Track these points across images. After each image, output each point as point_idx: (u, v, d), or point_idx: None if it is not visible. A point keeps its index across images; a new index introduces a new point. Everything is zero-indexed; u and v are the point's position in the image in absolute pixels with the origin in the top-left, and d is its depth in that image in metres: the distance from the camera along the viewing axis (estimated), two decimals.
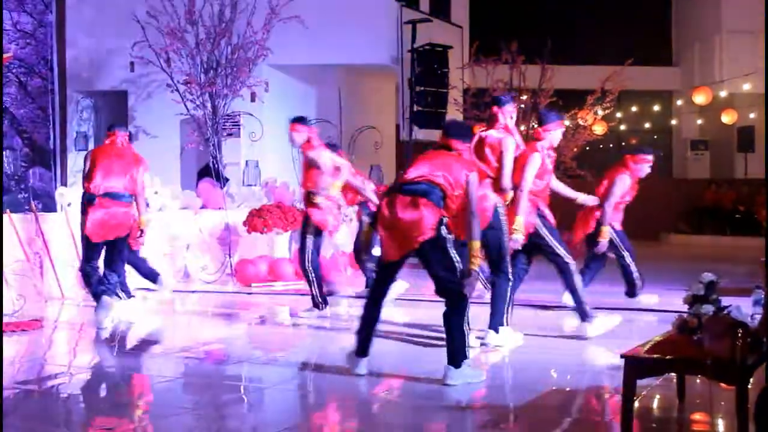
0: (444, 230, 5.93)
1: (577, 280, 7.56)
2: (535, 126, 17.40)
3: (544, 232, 7.65)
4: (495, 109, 7.46)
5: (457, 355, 5.86)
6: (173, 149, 14.90)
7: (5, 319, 7.66)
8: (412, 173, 6.03)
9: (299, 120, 9.29)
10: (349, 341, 7.66)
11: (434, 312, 8.26)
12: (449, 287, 5.96)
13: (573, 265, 7.58)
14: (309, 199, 8.85)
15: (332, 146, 9.84)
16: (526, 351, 7.08)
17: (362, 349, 6.12)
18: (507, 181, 7.21)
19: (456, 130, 6.50)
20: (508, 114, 7.44)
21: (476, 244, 5.98)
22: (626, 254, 9.28)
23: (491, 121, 7.48)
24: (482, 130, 7.48)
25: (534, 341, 7.57)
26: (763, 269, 9.32)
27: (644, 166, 9.22)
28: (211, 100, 13.74)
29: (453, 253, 5.93)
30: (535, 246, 7.69)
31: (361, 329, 6.18)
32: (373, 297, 6.32)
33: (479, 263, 6.09)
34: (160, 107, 14.52)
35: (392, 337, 7.90)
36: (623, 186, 9.17)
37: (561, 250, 7.62)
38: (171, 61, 13.71)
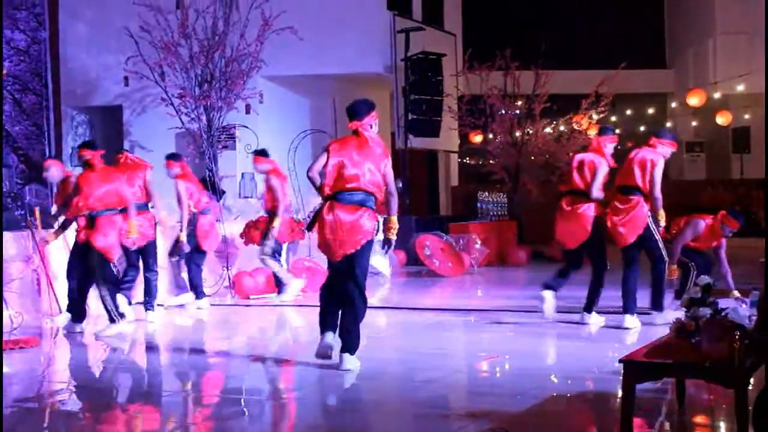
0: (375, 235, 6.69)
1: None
2: (530, 132, 17.52)
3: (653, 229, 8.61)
4: (596, 137, 9.30)
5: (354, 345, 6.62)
6: None
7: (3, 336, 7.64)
8: (346, 181, 6.78)
9: (172, 157, 10.84)
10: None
11: (433, 319, 8.27)
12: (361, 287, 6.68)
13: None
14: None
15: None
16: (525, 357, 7.08)
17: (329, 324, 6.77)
18: (597, 192, 8.78)
19: (355, 110, 7.37)
20: (605, 142, 8.98)
21: (394, 218, 6.75)
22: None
23: (589, 146, 9.26)
24: (580, 154, 9.20)
25: (533, 347, 7.57)
26: (762, 270, 9.32)
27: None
28: (206, 112, 13.76)
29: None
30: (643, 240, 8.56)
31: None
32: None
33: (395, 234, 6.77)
34: (155, 121, 14.54)
35: (391, 346, 7.90)
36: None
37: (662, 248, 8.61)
38: (165, 75, 13.73)
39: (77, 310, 9.01)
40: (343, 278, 6.68)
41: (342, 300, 6.70)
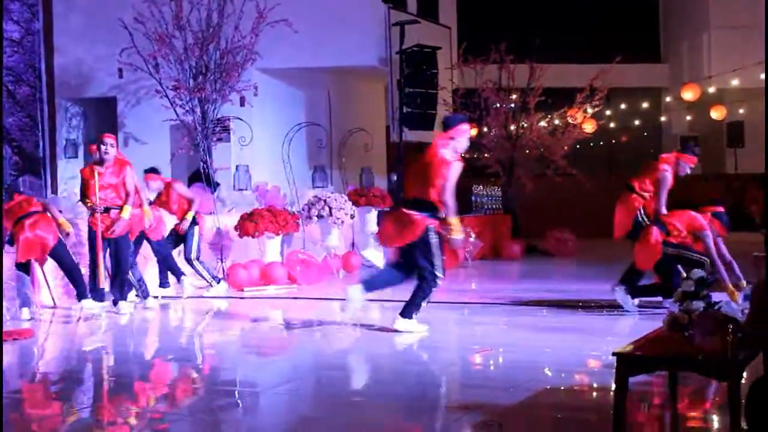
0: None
1: None
2: (524, 125, 17.51)
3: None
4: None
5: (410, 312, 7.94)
6: (163, 155, 14.88)
7: None
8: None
9: (152, 171, 11.10)
10: (339, 345, 7.65)
11: (426, 312, 8.27)
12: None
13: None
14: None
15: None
16: (519, 350, 7.09)
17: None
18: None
19: (445, 121, 8.18)
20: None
21: (451, 219, 7.72)
22: None
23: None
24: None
25: (527, 340, 7.59)
26: (755, 264, 9.34)
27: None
28: (201, 105, 13.74)
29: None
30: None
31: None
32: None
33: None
34: (150, 113, 14.52)
35: (383, 339, 7.90)
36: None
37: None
38: (159, 67, 13.71)
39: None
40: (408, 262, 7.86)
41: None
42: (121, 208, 9.39)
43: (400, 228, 7.84)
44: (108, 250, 9.53)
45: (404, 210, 7.84)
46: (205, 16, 13.76)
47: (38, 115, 13.94)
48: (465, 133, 8.06)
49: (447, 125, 8.03)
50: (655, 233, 8.64)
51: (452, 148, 7.90)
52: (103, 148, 9.36)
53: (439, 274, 7.75)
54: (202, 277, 11.17)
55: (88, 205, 9.42)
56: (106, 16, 14.27)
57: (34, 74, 13.82)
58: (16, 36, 14.78)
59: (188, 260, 11.09)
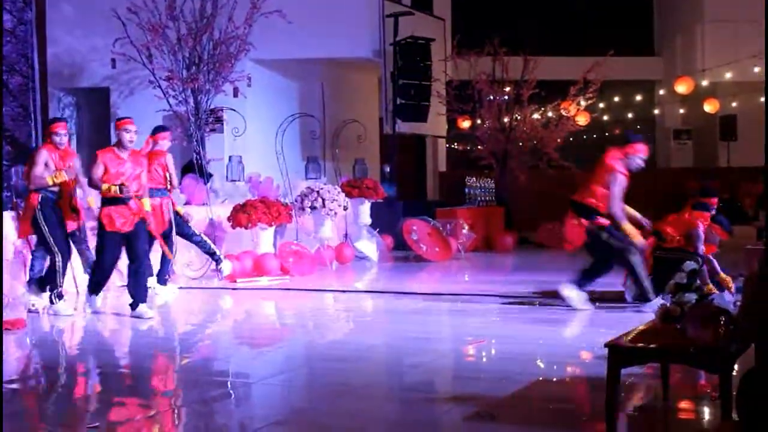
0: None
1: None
2: (518, 118, 17.51)
3: None
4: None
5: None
6: None
7: None
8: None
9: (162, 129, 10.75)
10: (332, 336, 7.66)
11: (419, 304, 8.29)
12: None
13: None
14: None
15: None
16: (511, 342, 7.11)
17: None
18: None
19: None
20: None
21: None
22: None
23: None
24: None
25: (519, 332, 7.60)
26: (747, 257, 9.36)
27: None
28: (194, 95, 13.72)
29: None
30: None
31: None
32: None
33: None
34: (143, 104, 14.48)
35: (376, 330, 7.91)
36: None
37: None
38: (153, 58, 13.68)
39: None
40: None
41: None
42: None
43: (572, 231, 8.76)
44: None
45: (571, 213, 8.73)
46: (199, 7, 13.73)
47: (31, 104, 13.87)
48: (640, 152, 8.49)
49: (625, 141, 8.53)
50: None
51: (624, 164, 8.44)
52: (127, 135, 8.71)
53: (635, 244, 8.32)
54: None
55: (119, 190, 8.48)
56: (100, 6, 14.22)
57: (26, 64, 13.74)
58: (8, 25, 14.69)
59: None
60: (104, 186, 8.53)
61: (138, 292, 8.70)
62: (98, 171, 8.59)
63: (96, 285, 8.94)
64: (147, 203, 8.85)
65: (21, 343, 7.47)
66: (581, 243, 8.73)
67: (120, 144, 8.75)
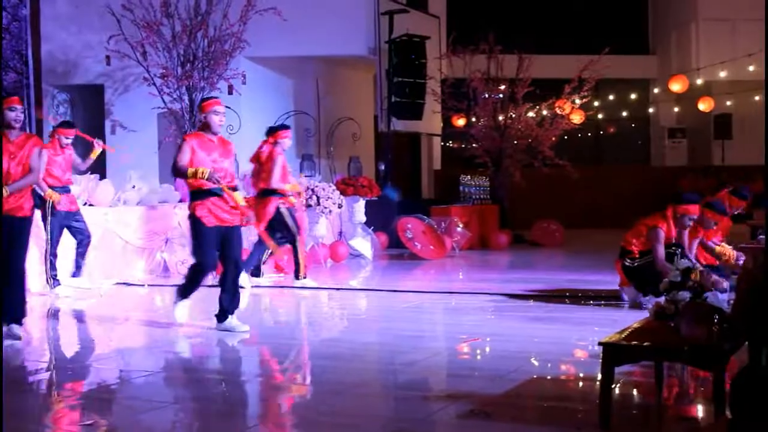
0: None
1: None
2: (512, 116, 17.53)
3: None
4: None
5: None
6: (151, 143, 14.86)
7: None
8: None
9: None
10: (326, 334, 7.64)
11: (413, 302, 8.28)
12: None
13: None
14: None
15: None
16: (506, 340, 7.11)
17: None
18: None
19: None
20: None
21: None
22: None
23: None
24: None
25: (514, 330, 7.61)
26: (742, 254, 9.36)
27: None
28: (188, 93, 13.71)
29: None
30: None
31: None
32: None
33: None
34: (137, 101, 14.48)
35: (371, 328, 7.90)
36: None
37: None
38: (147, 55, 13.67)
39: None
40: None
41: None
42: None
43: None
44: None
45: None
46: (194, 4, 13.72)
47: (25, 101, 13.85)
48: (691, 213, 8.39)
49: (677, 200, 8.40)
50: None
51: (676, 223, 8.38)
52: (217, 118, 7.58)
53: None
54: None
55: (207, 175, 7.33)
56: (94, 3, 14.21)
57: (21, 60, 13.73)
58: (3, 22, 14.69)
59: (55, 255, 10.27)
60: (191, 170, 7.34)
61: (233, 302, 7.66)
62: (185, 156, 7.42)
63: (187, 291, 7.91)
64: (239, 197, 7.64)
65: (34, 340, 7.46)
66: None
67: (208, 127, 7.58)
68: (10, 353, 6.72)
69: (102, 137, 15.40)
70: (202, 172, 7.27)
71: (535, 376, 5.85)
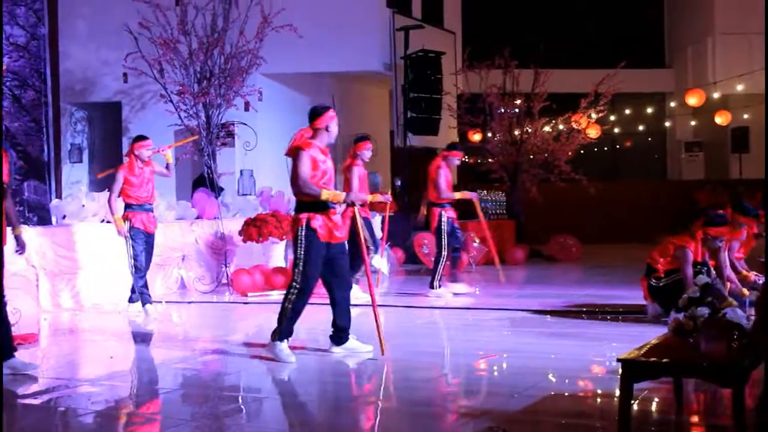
0: None
1: None
2: (528, 131, 17.50)
3: None
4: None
5: None
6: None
7: None
8: None
9: None
10: (339, 352, 7.62)
11: (430, 318, 8.25)
12: None
13: None
14: None
15: None
16: (523, 356, 7.08)
17: None
18: None
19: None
20: None
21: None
22: None
23: None
24: None
25: (531, 346, 7.58)
26: (761, 269, 9.31)
27: None
28: (205, 110, 13.76)
29: None
30: None
31: None
32: None
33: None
34: (154, 118, 14.56)
35: (388, 344, 7.89)
36: None
37: None
38: (164, 72, 13.73)
39: None
40: None
41: None
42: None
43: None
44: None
45: None
46: (210, 21, 13.78)
47: (43, 119, 13.93)
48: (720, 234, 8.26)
49: (710, 222, 8.21)
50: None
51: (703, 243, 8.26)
52: (335, 129, 7.31)
53: None
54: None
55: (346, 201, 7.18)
56: (112, 21, 14.31)
57: (39, 79, 13.80)
58: (21, 41, 14.78)
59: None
60: (326, 192, 6.95)
61: (349, 320, 7.36)
62: (306, 169, 6.97)
63: (290, 324, 7.28)
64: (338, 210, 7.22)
65: (33, 357, 7.48)
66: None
67: (325, 138, 7.21)
68: (24, 369, 6.74)
69: (119, 154, 15.50)
70: (329, 195, 6.92)
71: (553, 393, 5.82)
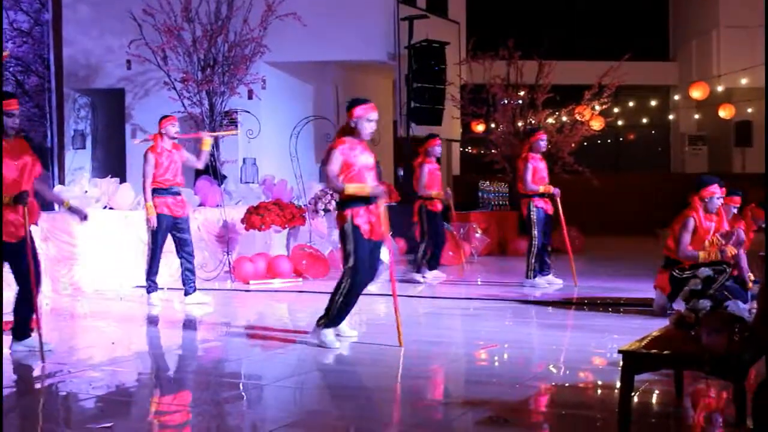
0: None
1: None
2: (532, 122, 17.47)
3: None
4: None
5: None
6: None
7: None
8: None
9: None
10: (344, 339, 7.63)
11: (432, 308, 8.24)
12: None
13: None
14: None
15: None
16: (524, 347, 7.09)
17: None
18: None
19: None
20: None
21: None
22: None
23: None
24: None
25: (532, 337, 7.58)
26: (762, 263, 9.30)
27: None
28: (208, 97, 13.76)
29: None
30: None
31: None
32: None
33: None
34: (157, 105, 14.52)
35: (389, 333, 7.89)
36: None
37: None
38: (168, 59, 13.73)
39: None
40: None
41: None
42: None
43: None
44: None
45: None
46: (214, 9, 13.77)
47: (46, 105, 13.94)
48: (715, 193, 8.23)
49: (699, 185, 8.22)
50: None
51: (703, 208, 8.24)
52: (369, 126, 7.06)
53: None
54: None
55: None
56: (116, 8, 14.29)
57: (42, 64, 13.82)
58: (25, 26, 14.79)
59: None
60: (350, 187, 6.87)
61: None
62: (335, 167, 6.89)
63: (341, 315, 7.26)
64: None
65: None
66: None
67: (357, 133, 7.00)
68: (29, 355, 6.76)
69: (122, 141, 15.50)
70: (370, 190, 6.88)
71: (553, 384, 5.83)
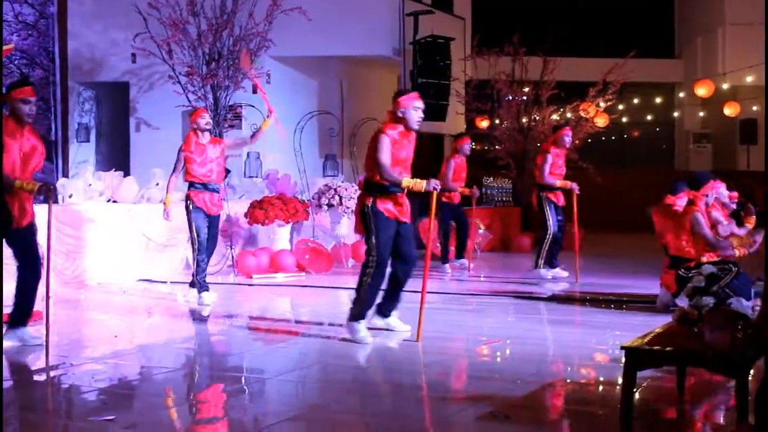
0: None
1: None
2: (536, 118, 17.43)
3: None
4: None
5: None
6: (174, 141, 14.82)
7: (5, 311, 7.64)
8: None
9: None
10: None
11: (434, 303, 8.23)
12: None
13: None
14: None
15: None
16: (526, 342, 7.08)
17: None
18: None
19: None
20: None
21: None
22: None
23: None
24: None
25: (534, 333, 7.58)
26: (762, 265, 9.29)
27: None
28: (213, 91, 13.75)
29: None
30: None
31: None
32: None
33: None
34: (162, 99, 14.54)
35: (391, 329, 7.89)
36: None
37: None
38: (173, 53, 13.72)
39: None
40: None
41: None
42: None
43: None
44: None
45: None
46: (219, 3, 13.76)
47: (51, 98, 13.95)
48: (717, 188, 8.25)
49: (698, 182, 8.15)
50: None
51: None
52: (416, 114, 7.21)
53: None
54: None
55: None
56: (121, 1, 14.27)
57: (47, 57, 13.85)
58: (30, 19, 14.81)
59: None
60: (407, 180, 6.91)
61: (398, 300, 7.44)
62: (387, 157, 6.86)
63: (366, 305, 7.18)
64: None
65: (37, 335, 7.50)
66: None
67: (404, 122, 7.07)
68: (30, 348, 6.76)
69: (127, 134, 15.50)
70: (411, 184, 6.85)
71: (555, 380, 5.83)
